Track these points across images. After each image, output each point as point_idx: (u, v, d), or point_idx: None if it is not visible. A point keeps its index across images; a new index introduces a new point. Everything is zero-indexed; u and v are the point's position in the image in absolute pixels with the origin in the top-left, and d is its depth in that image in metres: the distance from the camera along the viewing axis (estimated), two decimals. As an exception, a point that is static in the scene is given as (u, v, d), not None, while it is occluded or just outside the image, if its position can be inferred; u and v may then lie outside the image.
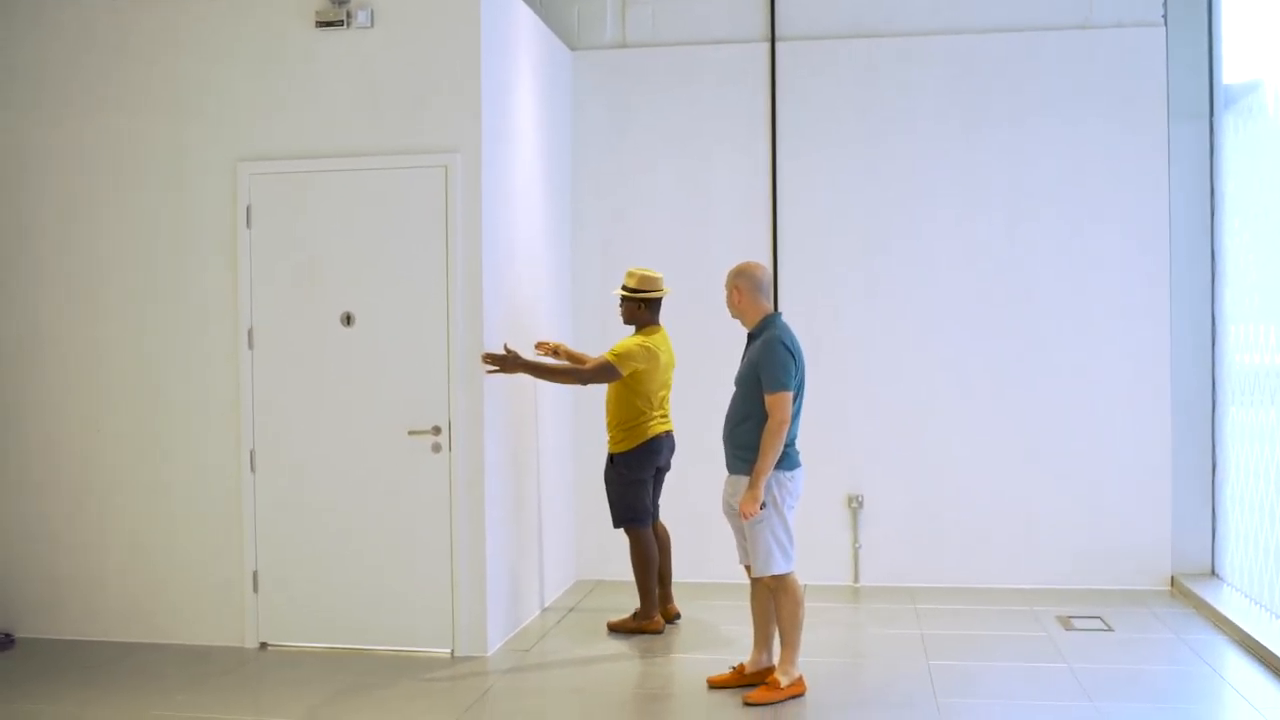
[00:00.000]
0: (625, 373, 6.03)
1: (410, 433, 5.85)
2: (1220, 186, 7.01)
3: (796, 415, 5.14)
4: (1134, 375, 7.14)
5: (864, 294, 7.35)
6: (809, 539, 7.32)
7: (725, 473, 5.30)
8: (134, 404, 6.16)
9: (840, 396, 7.31)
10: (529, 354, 6.23)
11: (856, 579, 7.36)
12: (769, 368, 5.05)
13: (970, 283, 7.26)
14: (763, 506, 5.07)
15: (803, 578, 7.22)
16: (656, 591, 6.30)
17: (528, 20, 6.69)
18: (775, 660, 5.32)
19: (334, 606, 5.96)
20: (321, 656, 5.89)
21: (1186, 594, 6.86)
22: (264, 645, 6.04)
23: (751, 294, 5.24)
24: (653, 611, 6.27)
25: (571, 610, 6.80)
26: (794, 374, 5.08)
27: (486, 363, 5.77)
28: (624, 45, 7.57)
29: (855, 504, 7.33)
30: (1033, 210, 7.22)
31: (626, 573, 6.59)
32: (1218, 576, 7.03)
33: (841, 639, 6.25)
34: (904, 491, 7.33)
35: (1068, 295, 7.19)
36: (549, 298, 7.05)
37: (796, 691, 5.17)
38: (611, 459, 6.27)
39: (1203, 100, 7.04)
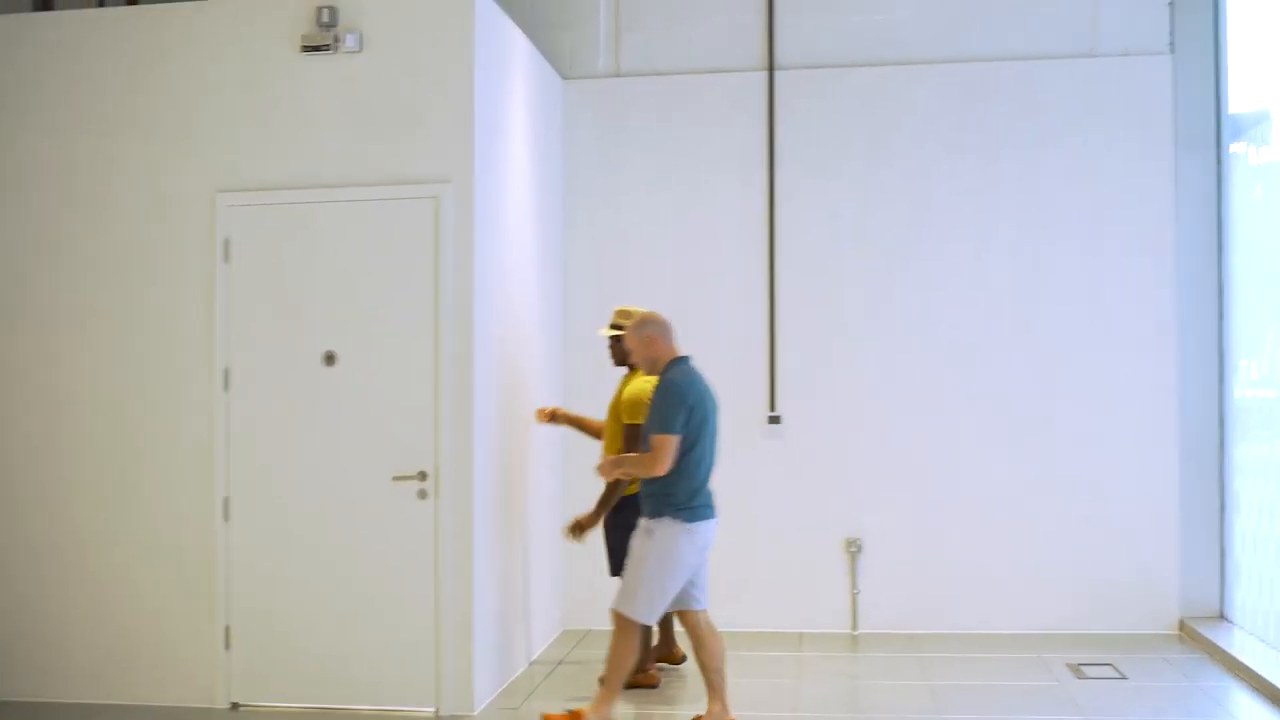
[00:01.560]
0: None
1: (395, 478, 5.56)
2: (1228, 217, 6.88)
3: (705, 464, 5.10)
4: (1141, 412, 6.98)
5: (864, 329, 7.16)
6: (805, 585, 7.13)
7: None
8: (100, 447, 5.83)
9: (838, 435, 7.11)
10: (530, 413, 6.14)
11: (855, 626, 7.11)
12: (656, 407, 5.07)
13: (973, 319, 7.09)
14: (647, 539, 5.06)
15: (798, 625, 7.08)
16: (653, 645, 6.03)
17: (522, 47, 6.45)
18: (732, 712, 5.23)
19: (311, 663, 5.65)
20: (298, 717, 5.59)
21: (1196, 638, 6.68)
22: (236, 705, 5.72)
23: (665, 339, 5.27)
24: (648, 664, 6.00)
25: (560, 663, 6.52)
26: (683, 419, 5.01)
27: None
28: (618, 74, 7.37)
29: (854, 548, 7.09)
30: (1039, 242, 7.07)
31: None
32: (1227, 619, 6.84)
33: (843, 692, 6.01)
34: (904, 534, 7.10)
35: (1073, 331, 7.03)
36: (541, 334, 6.80)
37: None
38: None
39: (1210, 130, 6.94)
